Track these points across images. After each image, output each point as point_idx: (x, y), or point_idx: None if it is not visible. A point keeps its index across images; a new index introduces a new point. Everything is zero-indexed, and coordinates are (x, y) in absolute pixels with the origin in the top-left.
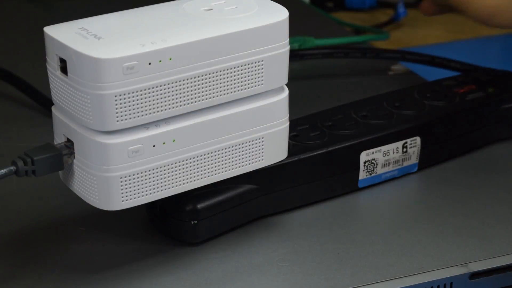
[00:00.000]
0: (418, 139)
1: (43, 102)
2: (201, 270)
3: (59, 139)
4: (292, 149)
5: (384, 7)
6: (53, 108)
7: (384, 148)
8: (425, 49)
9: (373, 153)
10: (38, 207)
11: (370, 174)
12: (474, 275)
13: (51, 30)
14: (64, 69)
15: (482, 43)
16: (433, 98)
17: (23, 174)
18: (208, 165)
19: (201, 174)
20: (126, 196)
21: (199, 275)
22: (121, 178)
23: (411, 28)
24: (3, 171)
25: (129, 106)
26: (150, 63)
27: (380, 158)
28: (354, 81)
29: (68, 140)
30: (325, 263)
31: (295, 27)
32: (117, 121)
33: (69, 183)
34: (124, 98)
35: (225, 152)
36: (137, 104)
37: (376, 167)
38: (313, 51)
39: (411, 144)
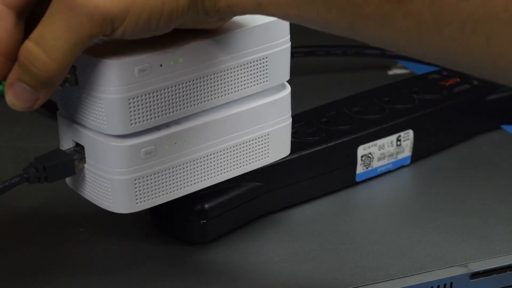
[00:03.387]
0: (410, 132)
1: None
2: (201, 270)
3: (66, 144)
4: (292, 146)
5: None
6: (58, 113)
7: (379, 142)
8: None
9: (369, 147)
10: (38, 208)
11: (367, 168)
12: (474, 275)
13: None
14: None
15: None
16: (422, 92)
17: (35, 181)
18: (218, 163)
19: (212, 173)
20: (141, 198)
21: (199, 275)
22: (135, 180)
23: None
24: (15, 179)
25: (143, 108)
26: (161, 65)
27: (376, 151)
28: (352, 80)
29: (77, 145)
30: (325, 263)
31: (294, 27)
32: (131, 124)
33: (79, 189)
34: (138, 101)
35: (234, 150)
36: (151, 106)
37: (372, 160)
38: (295, 49)
39: (404, 137)
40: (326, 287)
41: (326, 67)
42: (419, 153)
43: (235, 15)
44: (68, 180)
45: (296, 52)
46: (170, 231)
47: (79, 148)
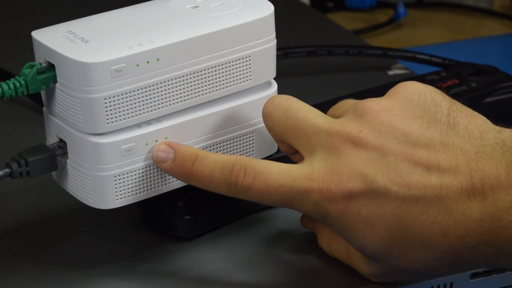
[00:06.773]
0: None
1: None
2: (200, 270)
3: (51, 140)
4: None
5: (384, 7)
6: (44, 109)
7: None
8: (424, 49)
9: None
10: (38, 207)
11: None
12: (474, 274)
13: (38, 35)
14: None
15: (482, 43)
16: None
17: (17, 176)
18: None
19: None
20: (120, 195)
21: (198, 275)
22: (115, 177)
23: (411, 28)
24: None
25: (119, 108)
26: (138, 65)
27: None
28: (352, 80)
29: (61, 141)
30: (325, 263)
31: (295, 27)
32: (108, 123)
33: (63, 183)
34: (114, 101)
35: (218, 148)
36: (127, 105)
37: None
38: (298, 49)
39: None
40: (326, 287)
41: (327, 67)
42: None
43: None
44: (54, 174)
45: (299, 52)
46: (157, 226)
47: (62, 144)
